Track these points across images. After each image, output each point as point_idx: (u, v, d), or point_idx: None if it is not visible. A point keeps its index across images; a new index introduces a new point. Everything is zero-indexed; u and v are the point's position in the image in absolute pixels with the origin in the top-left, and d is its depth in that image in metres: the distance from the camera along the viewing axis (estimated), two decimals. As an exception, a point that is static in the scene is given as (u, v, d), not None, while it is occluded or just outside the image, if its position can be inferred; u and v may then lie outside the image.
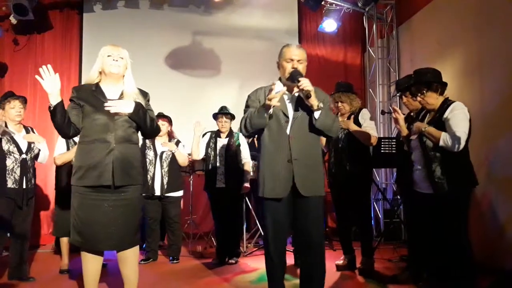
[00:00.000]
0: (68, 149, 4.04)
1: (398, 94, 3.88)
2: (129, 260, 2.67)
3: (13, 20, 5.73)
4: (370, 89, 6.72)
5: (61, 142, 4.09)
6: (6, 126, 3.64)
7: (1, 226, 3.56)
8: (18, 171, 3.60)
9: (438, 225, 2.93)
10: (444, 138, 2.83)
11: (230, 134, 4.56)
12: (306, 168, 2.59)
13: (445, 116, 2.90)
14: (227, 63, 6.78)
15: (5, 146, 3.57)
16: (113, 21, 6.57)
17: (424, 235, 3.17)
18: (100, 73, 2.70)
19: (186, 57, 6.72)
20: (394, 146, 4.29)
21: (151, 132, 2.82)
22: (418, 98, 3.05)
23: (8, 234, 3.80)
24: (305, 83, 2.48)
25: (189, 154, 4.63)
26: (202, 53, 6.77)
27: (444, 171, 2.87)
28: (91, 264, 2.63)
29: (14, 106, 3.66)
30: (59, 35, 6.48)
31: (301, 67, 2.62)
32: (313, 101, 2.51)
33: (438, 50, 5.16)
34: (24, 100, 3.76)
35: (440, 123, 2.91)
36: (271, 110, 2.52)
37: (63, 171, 4.08)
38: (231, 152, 4.47)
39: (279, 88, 2.55)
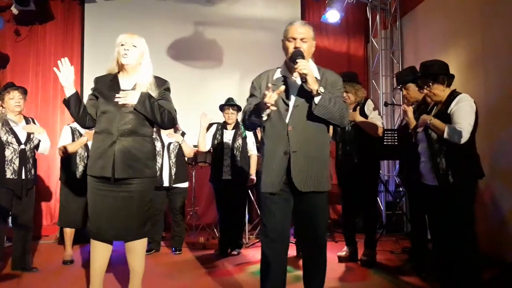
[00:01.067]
0: (73, 140, 4.05)
1: (398, 87, 3.85)
2: (136, 251, 2.67)
3: (14, 10, 5.69)
4: (373, 80, 6.68)
5: (66, 133, 4.11)
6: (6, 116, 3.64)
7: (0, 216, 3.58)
8: (17, 162, 3.59)
9: (444, 217, 2.92)
10: (448, 131, 2.81)
11: (237, 126, 4.56)
12: (306, 162, 2.35)
13: (450, 108, 2.88)
14: (230, 54, 6.74)
15: (4, 137, 3.56)
16: (114, 11, 6.52)
17: (429, 227, 3.17)
18: (117, 63, 2.66)
19: (188, 48, 6.68)
20: (396, 138, 4.28)
21: (163, 123, 2.66)
22: (425, 91, 3.03)
23: (11, 225, 3.82)
24: (302, 65, 2.25)
25: (195, 146, 4.63)
26: (204, 43, 6.73)
27: (449, 164, 2.85)
28: (99, 252, 2.63)
29: (14, 97, 3.65)
30: (61, 26, 6.43)
31: (306, 47, 2.39)
32: (312, 85, 2.27)
33: (442, 41, 5.11)
34: (23, 91, 3.74)
35: (446, 116, 2.88)
36: (268, 111, 2.31)
37: (67, 162, 4.10)
38: (237, 144, 4.46)
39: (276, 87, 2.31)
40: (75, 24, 6.49)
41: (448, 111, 2.88)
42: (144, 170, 2.61)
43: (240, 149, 4.48)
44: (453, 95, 2.94)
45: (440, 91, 2.97)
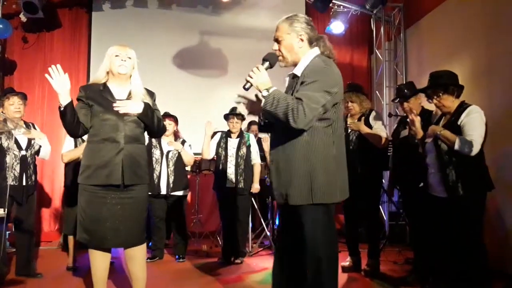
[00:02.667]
0: (75, 146, 4.06)
1: (397, 101, 3.84)
2: (137, 257, 2.70)
3: (23, 18, 5.76)
4: (376, 91, 6.72)
5: (69, 139, 4.11)
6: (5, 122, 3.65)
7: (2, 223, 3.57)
8: (18, 168, 3.60)
9: (453, 229, 2.90)
10: (459, 142, 2.78)
11: (241, 134, 4.60)
12: (278, 173, 2.16)
13: (461, 120, 2.87)
14: (234, 64, 6.78)
15: (5, 143, 3.57)
16: (121, 20, 6.59)
17: (438, 238, 3.16)
18: (108, 73, 2.71)
19: (193, 57, 6.73)
20: (390, 147, 4.27)
21: (158, 132, 2.86)
22: (434, 101, 3.02)
23: (13, 230, 3.81)
24: (250, 73, 2.17)
25: (198, 154, 4.65)
26: (209, 53, 6.79)
27: (459, 175, 2.83)
28: (99, 261, 2.65)
29: (13, 103, 3.64)
30: (68, 34, 6.51)
31: (282, 46, 2.25)
32: (258, 89, 2.14)
33: (446, 53, 5.15)
34: (23, 96, 3.73)
35: (456, 127, 2.87)
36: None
37: (71, 169, 4.09)
38: (241, 152, 4.49)
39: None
40: (82, 32, 6.56)
41: (458, 123, 2.87)
42: (145, 177, 2.72)
43: (244, 157, 4.51)
44: (463, 106, 2.94)
45: (450, 102, 2.97)
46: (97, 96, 2.65)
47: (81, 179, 2.60)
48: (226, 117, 4.60)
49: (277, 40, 2.27)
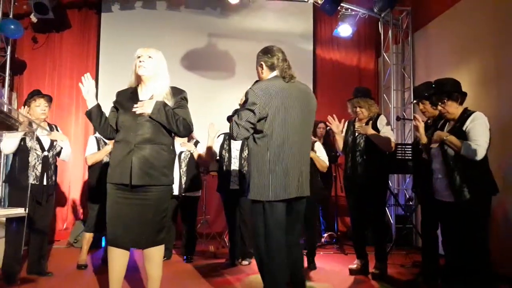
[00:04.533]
0: (98, 149, 4.20)
1: (415, 101, 3.89)
2: (154, 258, 2.72)
3: (33, 18, 5.81)
4: (384, 95, 6.73)
5: (92, 142, 4.24)
6: (30, 124, 3.71)
7: (17, 221, 3.60)
8: (39, 168, 3.67)
9: (458, 232, 2.96)
10: (465, 148, 2.88)
11: (247, 136, 4.59)
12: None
13: (466, 126, 2.96)
14: (242, 66, 6.82)
15: (29, 143, 3.64)
16: (130, 21, 6.65)
17: (442, 242, 3.19)
18: (135, 75, 2.76)
19: (201, 59, 6.78)
20: (409, 152, 4.30)
21: (179, 131, 2.71)
22: (439, 107, 3.11)
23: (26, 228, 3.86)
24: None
25: (199, 155, 4.66)
26: (217, 55, 6.83)
27: (464, 180, 2.91)
28: (117, 259, 2.66)
29: (40, 104, 3.74)
30: (77, 34, 6.57)
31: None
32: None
33: (454, 58, 5.17)
34: (49, 99, 3.84)
35: (461, 133, 2.96)
36: None
37: (94, 170, 4.25)
38: (244, 154, 4.50)
39: None
40: (91, 33, 6.62)
41: (464, 129, 2.96)
42: (160, 178, 2.66)
43: (248, 159, 4.50)
44: (467, 113, 3.03)
45: (454, 109, 3.06)
46: (124, 99, 2.75)
47: (107, 177, 2.71)
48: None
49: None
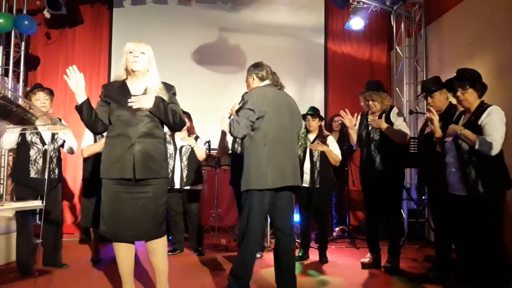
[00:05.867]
0: (95, 141, 4.15)
1: (423, 95, 3.84)
2: (158, 250, 2.74)
3: (46, 14, 5.87)
4: (396, 88, 6.68)
5: (88, 134, 4.19)
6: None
7: (25, 213, 3.67)
8: (40, 162, 3.69)
9: (473, 227, 2.92)
10: (480, 142, 2.82)
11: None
12: None
13: (481, 119, 2.90)
14: (253, 60, 6.59)
15: (29, 137, 3.66)
16: (141, 16, 6.68)
17: (454, 236, 3.17)
18: (125, 70, 2.76)
19: (212, 53, 6.78)
20: (412, 145, 4.26)
21: (175, 126, 2.81)
22: (458, 93, 3.02)
23: (38, 222, 3.90)
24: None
25: (214, 149, 4.69)
26: (228, 49, 6.83)
27: (479, 174, 2.87)
28: (123, 253, 2.69)
29: (39, 98, 3.75)
30: (90, 30, 6.62)
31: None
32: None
33: (468, 50, 5.10)
34: (49, 92, 3.84)
35: (476, 127, 2.90)
36: None
37: (89, 163, 4.16)
38: None
39: None
40: (103, 28, 6.67)
41: (479, 122, 2.90)
42: (160, 171, 2.71)
43: None
44: (483, 106, 2.97)
45: (473, 99, 2.99)
46: (114, 93, 2.72)
47: (101, 173, 2.68)
48: None
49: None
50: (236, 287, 2.93)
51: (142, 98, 2.64)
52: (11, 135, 3.58)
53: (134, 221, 2.63)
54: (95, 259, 4.16)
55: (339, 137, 5.55)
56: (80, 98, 2.60)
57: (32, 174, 3.64)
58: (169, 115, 2.71)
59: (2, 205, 2.39)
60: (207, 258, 4.48)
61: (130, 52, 2.69)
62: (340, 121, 5.65)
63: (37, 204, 2.57)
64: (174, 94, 2.85)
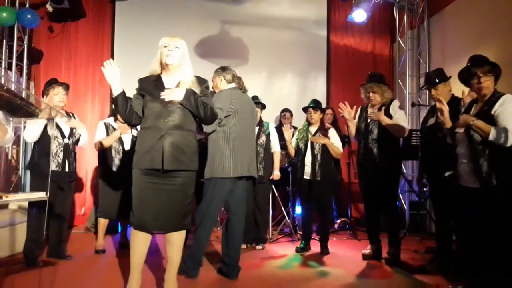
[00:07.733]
0: (107, 135, 4.25)
1: (426, 87, 3.82)
2: (175, 242, 2.78)
3: (49, 8, 5.87)
4: (399, 80, 6.67)
5: (101, 128, 4.29)
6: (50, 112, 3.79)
7: (37, 205, 3.68)
8: (61, 155, 3.77)
9: (483, 219, 2.82)
10: (494, 133, 2.69)
11: (260, 123, 4.64)
12: None
13: (494, 109, 2.77)
14: (255, 53, 6.82)
15: (50, 131, 3.72)
16: (144, 9, 6.68)
17: (458, 228, 3.14)
18: (160, 64, 2.80)
19: (214, 46, 6.78)
20: (418, 138, 4.26)
21: (206, 118, 2.85)
22: (482, 79, 2.85)
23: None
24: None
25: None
26: (230, 42, 6.84)
27: (492, 166, 2.75)
28: (139, 242, 2.72)
29: (58, 93, 3.82)
30: (92, 23, 6.62)
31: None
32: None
33: (472, 42, 5.08)
34: (66, 87, 3.92)
35: (488, 117, 2.78)
36: None
37: (104, 157, 4.29)
38: (261, 141, 4.55)
39: None
40: (106, 22, 6.67)
41: (492, 112, 2.78)
42: (189, 163, 2.74)
43: (264, 145, 4.57)
44: (495, 95, 2.83)
45: (491, 85, 2.86)
46: (149, 87, 2.78)
47: (133, 163, 2.74)
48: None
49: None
50: (192, 267, 3.32)
51: (173, 91, 2.69)
52: (36, 128, 3.65)
53: (160, 212, 2.67)
54: (100, 250, 4.22)
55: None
56: (116, 91, 2.69)
57: (53, 167, 3.70)
58: (200, 108, 2.75)
59: (6, 197, 2.42)
60: (210, 249, 4.49)
61: (165, 47, 2.74)
62: (332, 114, 5.69)
63: (40, 195, 2.60)
64: (207, 87, 2.91)
